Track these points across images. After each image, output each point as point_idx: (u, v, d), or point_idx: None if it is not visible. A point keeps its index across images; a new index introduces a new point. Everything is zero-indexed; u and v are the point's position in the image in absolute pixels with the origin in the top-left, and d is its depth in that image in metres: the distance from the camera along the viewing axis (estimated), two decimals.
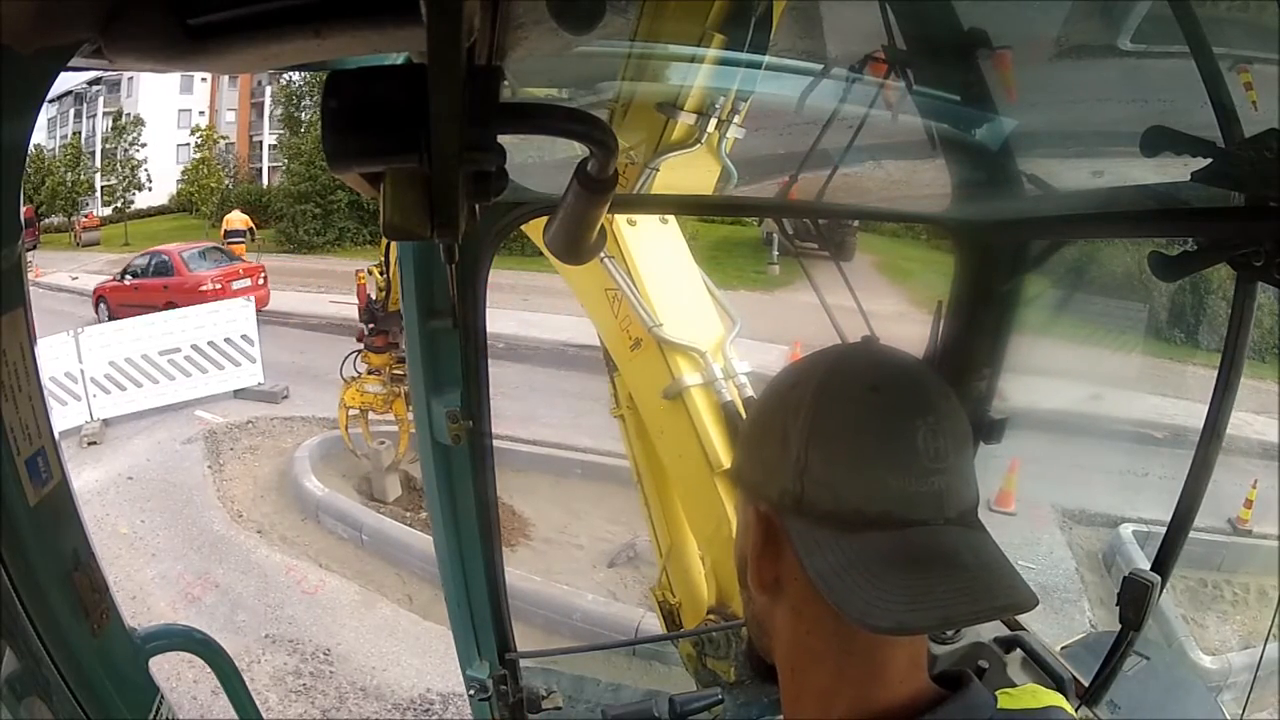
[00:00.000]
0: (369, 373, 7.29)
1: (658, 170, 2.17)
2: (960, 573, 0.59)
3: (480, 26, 0.57)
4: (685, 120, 2.13)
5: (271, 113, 24.95)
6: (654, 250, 2.54)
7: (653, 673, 4.35)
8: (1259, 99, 1.10)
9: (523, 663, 2.00)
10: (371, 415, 7.45)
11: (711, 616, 2.79)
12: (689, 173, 2.19)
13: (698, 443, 2.46)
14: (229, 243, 16.24)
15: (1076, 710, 1.59)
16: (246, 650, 5.28)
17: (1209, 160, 1.04)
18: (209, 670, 1.15)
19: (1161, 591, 1.49)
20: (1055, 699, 0.71)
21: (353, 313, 7.60)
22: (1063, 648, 1.74)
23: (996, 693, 0.68)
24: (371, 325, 7.15)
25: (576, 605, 5.65)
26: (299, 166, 20.99)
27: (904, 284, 11.50)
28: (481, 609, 1.91)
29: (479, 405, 1.70)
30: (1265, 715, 4.23)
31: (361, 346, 7.28)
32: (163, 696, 0.98)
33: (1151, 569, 1.51)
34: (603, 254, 2.39)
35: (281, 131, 24.05)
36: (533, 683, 2.03)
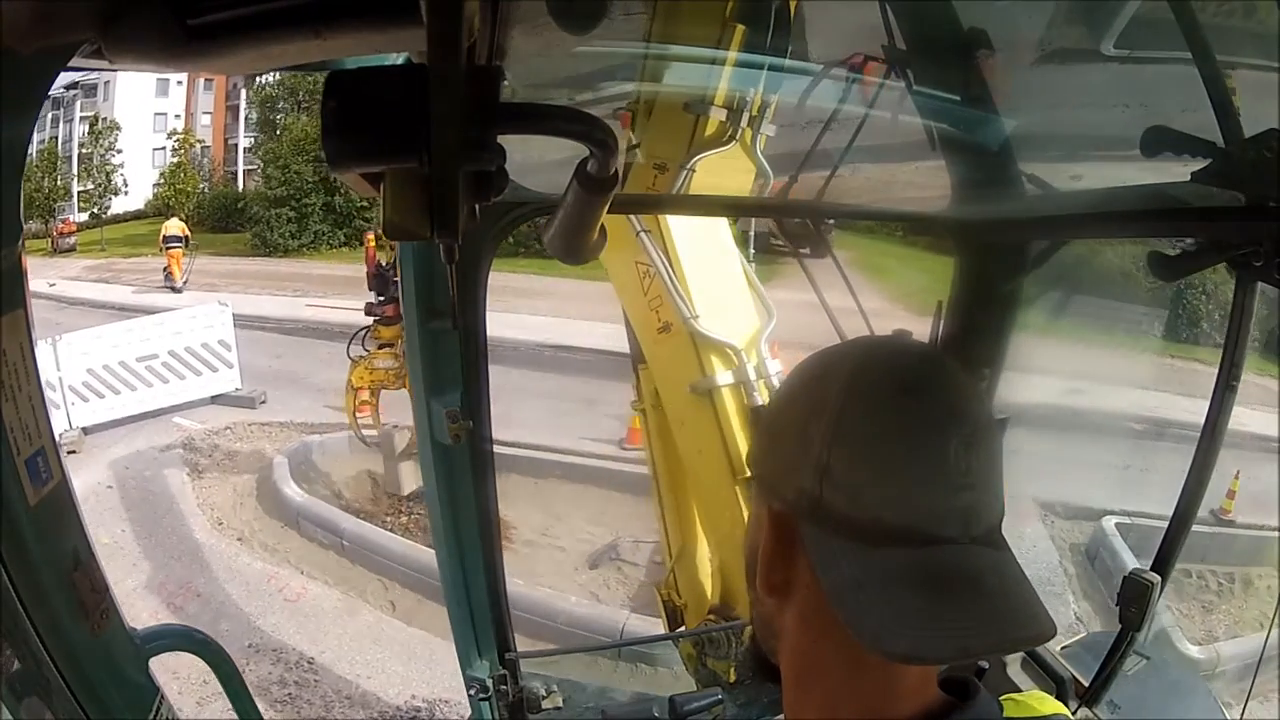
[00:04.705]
0: (379, 347, 6.78)
1: (694, 171, 2.09)
2: (982, 599, 0.56)
3: (480, 26, 0.56)
4: (716, 116, 2.07)
5: (247, 116, 24.83)
6: (694, 232, 2.40)
7: (652, 672, 4.34)
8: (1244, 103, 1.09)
9: (522, 663, 2.00)
10: (365, 423, 7.12)
11: (711, 617, 2.79)
12: (722, 178, 2.12)
13: (720, 443, 2.40)
14: (167, 248, 16.23)
15: (1075, 711, 1.60)
16: None
17: (1209, 160, 1.04)
18: (209, 670, 1.15)
19: (1162, 591, 1.49)
20: (1058, 707, 0.70)
21: (329, 316, 7.50)
22: (1063, 648, 1.74)
23: (1001, 699, 0.66)
24: (381, 298, 6.65)
25: (560, 608, 5.62)
26: (274, 170, 20.88)
27: (880, 281, 11.43)
28: (481, 609, 1.91)
29: (479, 405, 1.71)
30: (1260, 705, 4.25)
31: (370, 321, 6.75)
32: (163, 696, 0.98)
33: (1152, 568, 1.51)
34: (640, 229, 2.30)
35: (257, 135, 23.95)
36: (532, 683, 2.03)
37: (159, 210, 23.42)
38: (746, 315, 2.49)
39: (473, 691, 1.95)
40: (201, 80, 23.83)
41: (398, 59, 0.81)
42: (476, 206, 0.62)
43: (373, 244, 6.87)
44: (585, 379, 9.59)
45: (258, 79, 22.38)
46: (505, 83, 0.58)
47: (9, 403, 0.71)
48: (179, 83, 24.12)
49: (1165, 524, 1.50)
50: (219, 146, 25.71)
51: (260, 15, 0.61)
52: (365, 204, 19.67)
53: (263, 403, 9.56)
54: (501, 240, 1.67)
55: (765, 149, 2.19)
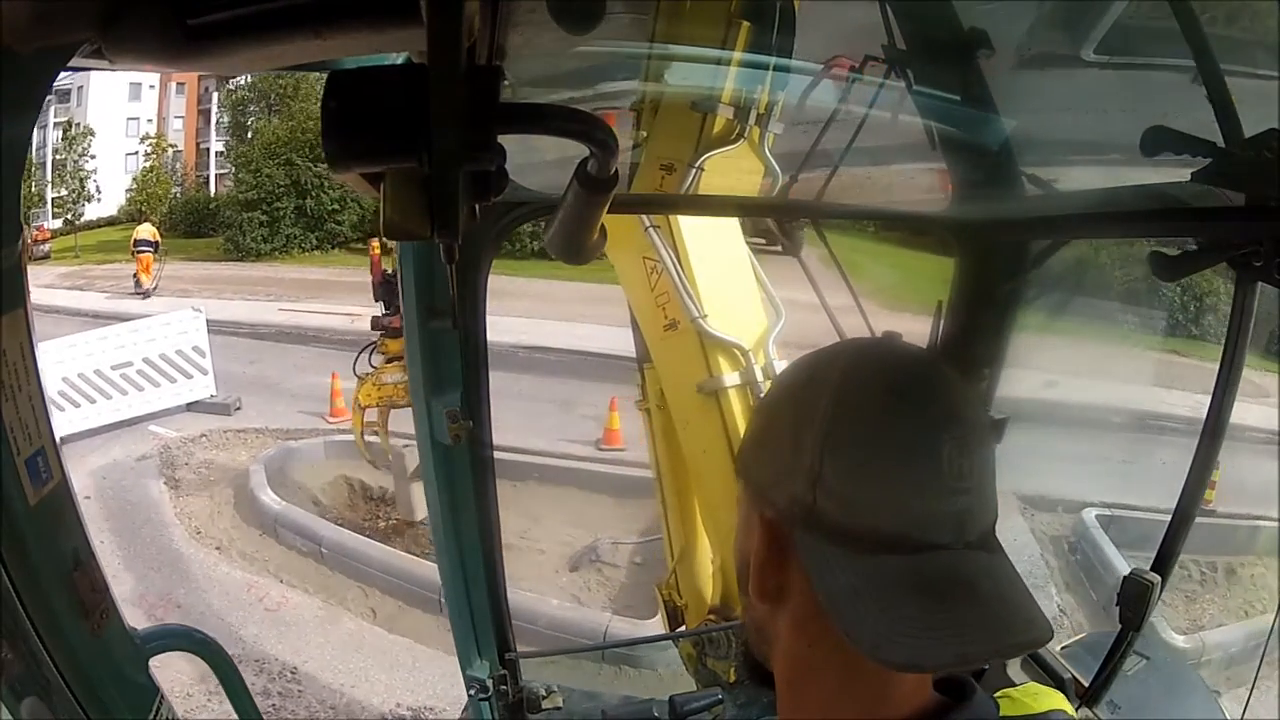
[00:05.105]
0: (387, 361, 6.37)
1: (703, 171, 2.07)
2: (978, 605, 0.55)
3: (480, 26, 0.57)
4: (724, 114, 2.05)
5: (219, 120, 24.57)
6: (704, 228, 2.36)
7: (636, 674, 4.31)
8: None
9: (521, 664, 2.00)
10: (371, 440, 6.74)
11: (711, 616, 2.78)
12: (726, 178, 2.09)
13: (726, 444, 2.36)
14: (137, 252, 16.09)
15: (1077, 710, 1.60)
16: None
17: (1209, 160, 1.04)
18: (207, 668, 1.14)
19: (1162, 591, 1.49)
20: (1055, 699, 0.70)
21: (302, 320, 7.25)
22: (1063, 648, 1.74)
23: (997, 697, 0.66)
24: (388, 310, 6.24)
25: (542, 611, 5.54)
26: (246, 175, 20.66)
27: (852, 277, 11.43)
28: (481, 609, 1.92)
29: (479, 405, 1.71)
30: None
31: (378, 335, 6.36)
32: (163, 696, 0.98)
33: (1152, 568, 1.51)
34: (649, 224, 2.27)
35: (228, 139, 23.76)
36: (532, 683, 2.03)
37: (132, 216, 22.91)
38: (755, 315, 2.45)
39: (473, 691, 1.95)
40: (174, 84, 23.49)
41: (398, 59, 0.81)
42: (476, 206, 0.62)
43: (377, 251, 6.47)
44: (560, 380, 9.56)
45: (229, 82, 22.20)
46: (505, 83, 0.58)
47: (9, 403, 0.71)
48: (151, 86, 23.70)
49: (1145, 515, 1.51)
50: (191, 151, 25.36)
51: (260, 15, 0.61)
52: (336, 207, 19.83)
53: (238, 409, 9.43)
54: (502, 240, 1.67)
55: (772, 147, 2.16)
